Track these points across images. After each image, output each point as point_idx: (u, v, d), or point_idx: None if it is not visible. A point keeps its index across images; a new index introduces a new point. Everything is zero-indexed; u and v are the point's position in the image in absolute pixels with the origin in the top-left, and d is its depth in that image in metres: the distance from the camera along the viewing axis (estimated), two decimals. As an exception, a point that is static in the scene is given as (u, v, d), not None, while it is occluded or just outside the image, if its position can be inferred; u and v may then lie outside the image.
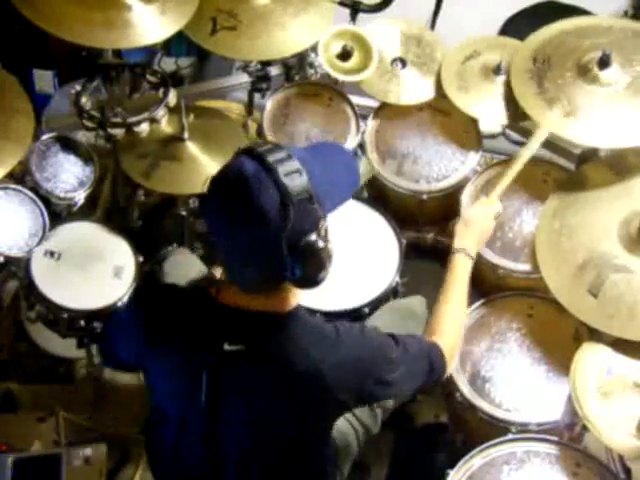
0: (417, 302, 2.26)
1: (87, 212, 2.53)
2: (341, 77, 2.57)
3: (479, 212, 2.12)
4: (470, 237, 2.03)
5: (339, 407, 1.63)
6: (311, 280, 1.46)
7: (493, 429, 2.05)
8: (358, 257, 2.30)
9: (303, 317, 1.58)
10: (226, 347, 1.51)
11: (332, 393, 1.55)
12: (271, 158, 1.41)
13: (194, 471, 1.67)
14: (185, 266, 2.16)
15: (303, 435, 1.62)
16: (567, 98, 2.24)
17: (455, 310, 1.90)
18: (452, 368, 1.91)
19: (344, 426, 1.92)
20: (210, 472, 1.65)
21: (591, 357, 2.00)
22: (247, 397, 1.55)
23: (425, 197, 2.48)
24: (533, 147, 2.26)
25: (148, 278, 2.28)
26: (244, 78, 2.83)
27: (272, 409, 1.56)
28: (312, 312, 2.11)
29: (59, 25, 2.15)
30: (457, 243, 2.01)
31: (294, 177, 1.40)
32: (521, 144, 2.84)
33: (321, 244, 1.43)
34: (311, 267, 1.44)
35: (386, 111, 2.62)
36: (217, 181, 1.46)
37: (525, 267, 2.27)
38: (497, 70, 2.46)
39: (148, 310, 1.63)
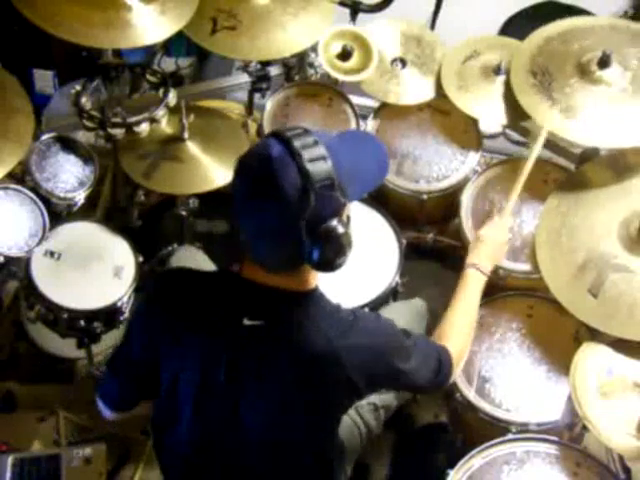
0: (417, 305, 2.27)
1: (87, 212, 2.54)
2: (341, 77, 2.57)
3: (492, 228, 2.14)
4: (483, 253, 2.06)
5: (351, 390, 1.63)
6: (329, 264, 1.48)
7: (493, 429, 2.05)
8: (358, 257, 2.29)
9: (322, 298, 1.60)
10: (246, 322, 1.53)
11: (346, 374, 1.56)
12: (298, 142, 1.43)
13: (213, 460, 1.66)
14: (192, 262, 2.16)
15: (317, 414, 1.62)
16: (569, 99, 2.24)
17: (463, 322, 1.92)
18: (456, 376, 1.92)
19: (348, 425, 1.93)
20: (232, 455, 1.65)
21: (591, 357, 2.00)
22: (265, 373, 1.56)
23: (425, 197, 2.48)
24: (536, 154, 2.26)
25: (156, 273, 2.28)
26: (244, 78, 2.83)
27: (288, 387, 1.57)
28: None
29: (59, 25, 2.15)
30: (470, 259, 2.04)
31: (318, 163, 1.42)
32: (521, 144, 2.85)
33: (341, 230, 1.45)
34: (330, 251, 1.46)
35: (386, 111, 2.62)
36: (243, 161, 1.49)
37: (525, 267, 2.27)
38: (497, 70, 2.46)
39: (164, 294, 1.62)
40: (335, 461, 1.79)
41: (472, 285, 1.98)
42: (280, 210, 1.43)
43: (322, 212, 1.43)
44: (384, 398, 2.03)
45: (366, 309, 2.20)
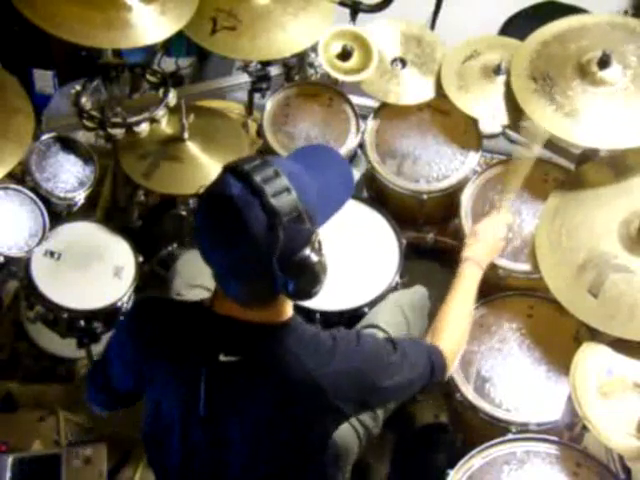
0: (418, 293, 2.26)
1: (87, 212, 2.54)
2: (341, 77, 2.57)
3: (489, 223, 2.15)
4: (480, 248, 2.06)
5: (337, 415, 1.62)
6: (306, 293, 1.43)
7: (493, 429, 2.05)
8: (358, 257, 2.30)
9: (299, 327, 1.56)
10: (222, 358, 1.50)
11: (329, 402, 1.54)
12: (258, 177, 1.37)
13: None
14: (197, 264, 2.15)
15: (302, 444, 1.60)
16: (572, 102, 2.24)
17: (459, 315, 1.91)
18: (452, 371, 1.92)
19: (345, 427, 1.91)
20: None
21: (591, 357, 2.00)
22: (245, 408, 1.54)
23: (425, 197, 2.48)
24: (536, 151, 2.26)
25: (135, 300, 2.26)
26: (244, 78, 2.83)
27: (270, 420, 1.55)
28: (310, 317, 2.13)
29: (59, 25, 2.15)
30: (465, 252, 2.04)
31: (282, 197, 1.36)
32: (521, 144, 2.85)
33: (314, 258, 1.40)
34: (305, 281, 1.41)
35: (386, 111, 2.62)
36: (205, 200, 1.43)
37: (525, 267, 2.27)
38: (497, 70, 2.46)
39: (145, 322, 1.61)
40: (329, 468, 1.78)
41: (468, 279, 1.97)
42: (248, 249, 1.38)
43: (293, 245, 1.38)
44: None
45: (366, 309, 2.20)
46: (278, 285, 1.41)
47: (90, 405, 1.82)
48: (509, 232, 2.27)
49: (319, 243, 1.45)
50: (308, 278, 1.41)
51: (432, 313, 2.12)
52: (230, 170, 1.40)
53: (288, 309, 1.54)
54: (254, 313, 1.50)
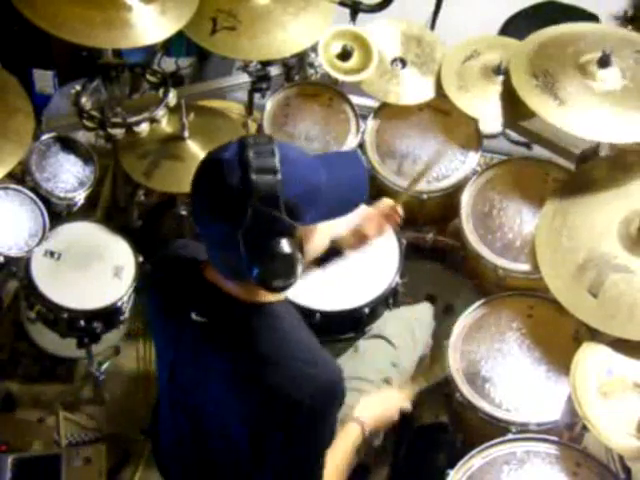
0: (424, 310, 2.26)
1: (87, 212, 2.54)
2: (341, 77, 2.57)
3: (387, 395, 1.93)
4: (370, 408, 1.81)
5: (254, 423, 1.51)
6: (268, 284, 1.39)
7: (493, 429, 2.05)
8: (358, 257, 2.30)
9: (276, 315, 1.50)
10: (193, 316, 1.50)
11: (254, 400, 1.47)
12: (252, 151, 1.35)
13: (186, 448, 1.66)
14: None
15: (250, 437, 1.51)
16: (574, 98, 2.24)
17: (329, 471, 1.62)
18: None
19: None
20: (196, 447, 1.64)
21: (591, 357, 2.00)
22: (202, 373, 1.53)
23: (425, 197, 2.48)
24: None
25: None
26: (244, 78, 2.83)
27: (222, 392, 1.51)
28: (310, 317, 2.13)
29: (59, 25, 2.16)
30: (357, 409, 1.79)
31: (264, 176, 1.33)
32: (521, 144, 2.86)
33: (285, 251, 1.35)
34: (269, 271, 1.37)
35: (386, 111, 2.62)
36: (203, 159, 1.43)
37: (525, 267, 2.27)
38: (497, 70, 2.46)
39: (155, 274, 1.68)
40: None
41: (345, 436, 1.73)
42: (220, 218, 1.36)
43: (263, 228, 1.34)
44: None
45: (366, 309, 2.20)
46: (243, 266, 1.38)
47: None
48: (506, 228, 2.25)
49: (300, 240, 1.38)
50: (273, 268, 1.37)
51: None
52: (240, 139, 1.40)
53: (262, 294, 1.48)
54: (235, 287, 1.48)
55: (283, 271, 1.37)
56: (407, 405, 1.91)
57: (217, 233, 1.40)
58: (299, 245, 1.38)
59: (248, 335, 1.48)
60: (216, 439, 1.59)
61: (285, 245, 1.35)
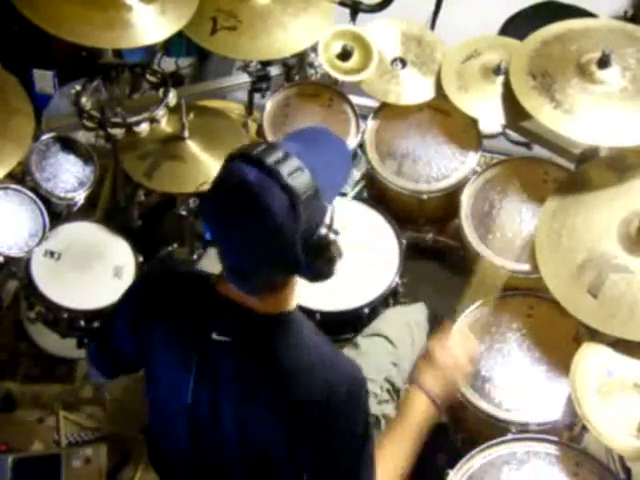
0: (419, 310, 2.26)
1: (87, 212, 2.54)
2: (341, 77, 2.57)
3: (448, 348, 1.82)
4: (433, 376, 1.78)
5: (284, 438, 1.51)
6: (325, 273, 1.45)
7: (493, 429, 2.05)
8: (358, 257, 2.30)
9: (298, 324, 1.54)
10: (214, 336, 1.50)
11: (283, 415, 1.48)
12: (270, 160, 1.36)
13: (209, 464, 1.64)
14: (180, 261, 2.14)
15: (273, 447, 1.53)
16: (572, 100, 2.23)
17: (399, 455, 1.67)
18: None
19: None
20: (217, 459, 1.62)
21: (591, 357, 2.00)
22: (228, 389, 1.53)
23: (425, 197, 2.48)
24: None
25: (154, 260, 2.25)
26: (244, 78, 2.83)
27: (248, 406, 1.51)
28: (310, 317, 2.12)
29: (59, 25, 2.16)
30: (419, 378, 1.77)
31: (297, 175, 1.36)
32: (521, 144, 2.86)
33: (331, 236, 1.42)
34: (324, 261, 1.43)
35: (386, 111, 2.62)
36: (217, 192, 1.42)
37: (525, 267, 2.27)
38: (497, 70, 2.46)
39: (152, 286, 1.62)
40: None
41: (418, 414, 1.74)
42: (272, 233, 1.37)
43: (312, 223, 1.39)
44: (384, 408, 2.01)
45: (366, 309, 2.20)
46: (300, 266, 1.41)
47: (89, 373, 1.82)
48: (506, 228, 2.25)
49: (332, 221, 1.44)
50: (327, 256, 1.42)
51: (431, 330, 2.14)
52: (240, 157, 1.39)
53: (289, 300, 1.52)
54: (254, 301, 1.48)
55: (334, 255, 1.44)
56: (474, 345, 1.89)
57: (261, 248, 1.40)
58: (332, 226, 1.44)
59: (275, 348, 1.49)
60: (238, 460, 1.59)
61: (327, 231, 1.42)
